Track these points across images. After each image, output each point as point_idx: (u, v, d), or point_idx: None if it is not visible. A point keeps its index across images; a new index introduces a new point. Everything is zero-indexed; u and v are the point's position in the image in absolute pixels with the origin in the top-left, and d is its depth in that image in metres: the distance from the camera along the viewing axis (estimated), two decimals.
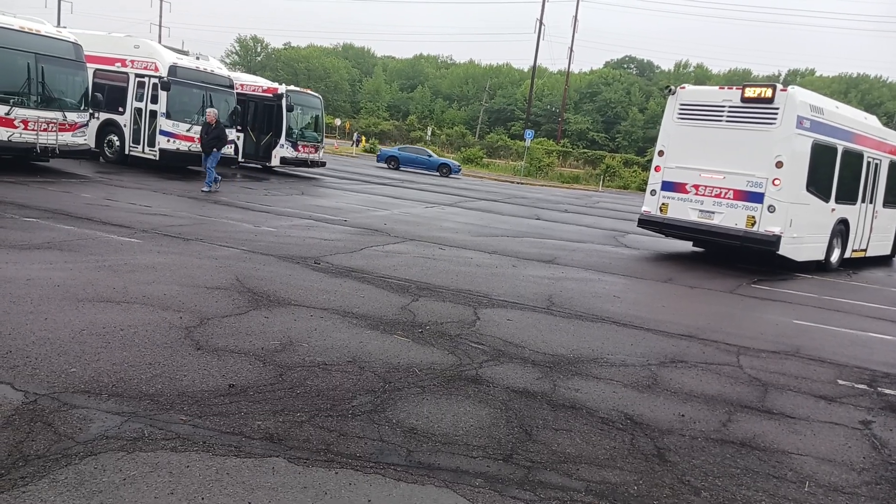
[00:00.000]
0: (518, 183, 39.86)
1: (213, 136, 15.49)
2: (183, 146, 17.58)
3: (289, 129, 21.79)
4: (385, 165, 37.31)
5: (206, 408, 3.76)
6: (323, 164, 24.03)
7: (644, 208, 13.01)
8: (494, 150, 63.97)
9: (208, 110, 16.21)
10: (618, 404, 4.58)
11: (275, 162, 22.07)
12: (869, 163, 13.85)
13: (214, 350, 4.74)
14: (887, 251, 16.33)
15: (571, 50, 63.67)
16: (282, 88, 22.12)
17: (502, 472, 3.41)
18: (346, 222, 12.32)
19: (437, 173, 36.98)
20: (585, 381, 4.98)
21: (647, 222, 13.03)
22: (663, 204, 12.60)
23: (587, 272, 10.05)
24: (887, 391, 5.65)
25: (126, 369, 4.19)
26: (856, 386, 5.69)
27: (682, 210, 12.33)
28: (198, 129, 17.31)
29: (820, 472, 3.89)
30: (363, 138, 59.40)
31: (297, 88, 24.10)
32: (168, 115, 17.14)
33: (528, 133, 44.86)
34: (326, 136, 28.44)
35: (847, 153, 12.78)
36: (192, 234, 9.22)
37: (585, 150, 67.59)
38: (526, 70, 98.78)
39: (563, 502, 3.18)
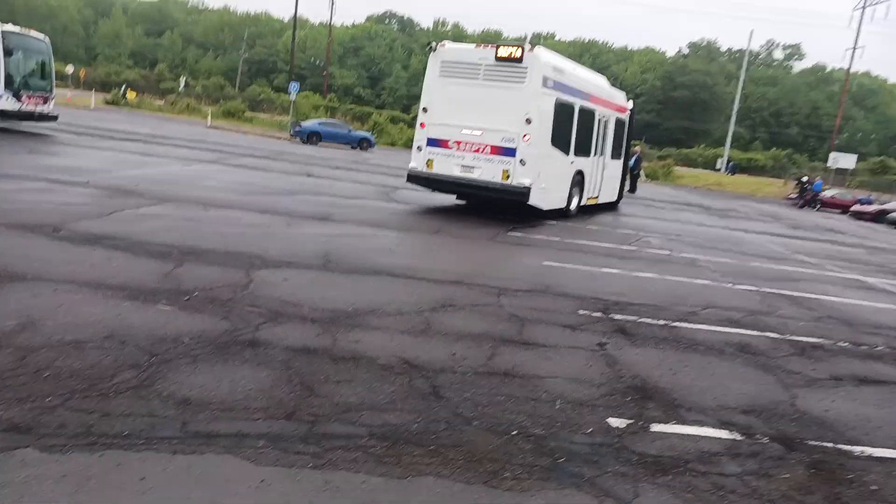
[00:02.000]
0: (285, 139, 38.65)
1: None
2: None
3: (9, 76, 18.44)
4: (306, 141, 35.96)
5: None
6: (55, 118, 20.87)
7: (412, 164, 13.44)
8: (258, 104, 61.15)
9: None
10: (396, 350, 4.79)
11: None
12: (600, 120, 15.78)
13: None
14: (614, 198, 18.91)
15: (332, 1, 62.56)
16: None
17: (285, 430, 3.41)
18: (88, 184, 10.95)
19: (358, 147, 36.63)
20: (365, 333, 5.12)
21: (415, 178, 13.49)
22: (429, 160, 13.13)
23: (362, 228, 10.19)
24: (617, 316, 6.63)
25: None
26: (592, 314, 6.59)
27: (447, 165, 12.97)
28: None
29: (568, 390, 4.48)
30: (131, 91, 53.54)
31: (17, 29, 20.45)
32: None
33: (293, 86, 43.38)
34: (58, 86, 24.73)
35: (583, 111, 14.41)
36: None
37: (352, 106, 67.48)
38: (287, 20, 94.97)
39: (347, 450, 3.28)
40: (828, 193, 40.71)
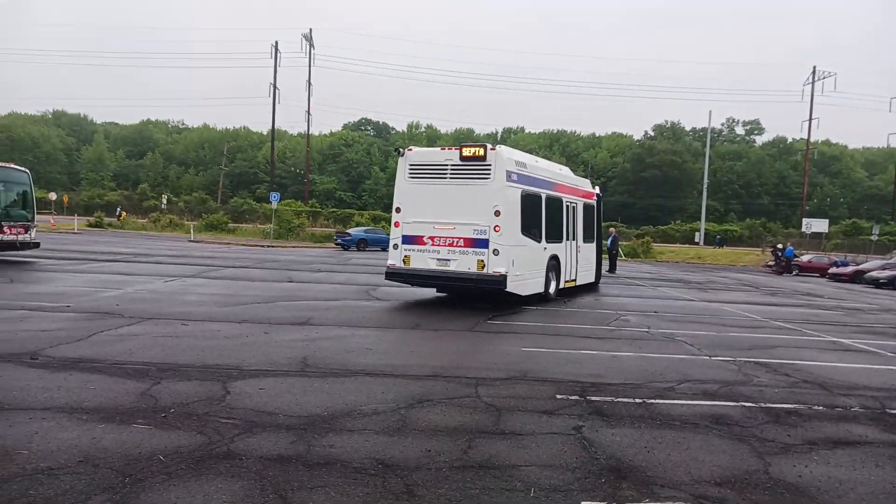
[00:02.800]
0: (268, 246, 39.14)
1: None
2: None
3: None
4: (353, 248, 39.14)
5: None
6: (36, 246, 21.14)
7: (390, 261, 13.78)
8: (240, 215, 62.29)
9: None
10: (370, 452, 4.81)
11: None
12: (567, 206, 16.35)
13: None
14: (592, 279, 19.26)
15: (309, 113, 65.10)
16: None
17: None
18: (69, 308, 11.05)
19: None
20: (339, 436, 5.15)
21: (393, 274, 13.80)
22: (406, 256, 13.48)
23: (341, 329, 10.29)
24: (594, 398, 6.70)
25: None
26: (570, 398, 6.66)
27: (423, 260, 13.31)
28: None
29: (543, 477, 4.51)
30: (123, 213, 56.59)
31: None
32: None
33: (274, 196, 44.58)
34: (40, 213, 25.23)
35: (550, 199, 14.97)
36: None
37: (335, 209, 68.92)
38: (265, 133, 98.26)
39: None
40: (804, 258, 41.54)
